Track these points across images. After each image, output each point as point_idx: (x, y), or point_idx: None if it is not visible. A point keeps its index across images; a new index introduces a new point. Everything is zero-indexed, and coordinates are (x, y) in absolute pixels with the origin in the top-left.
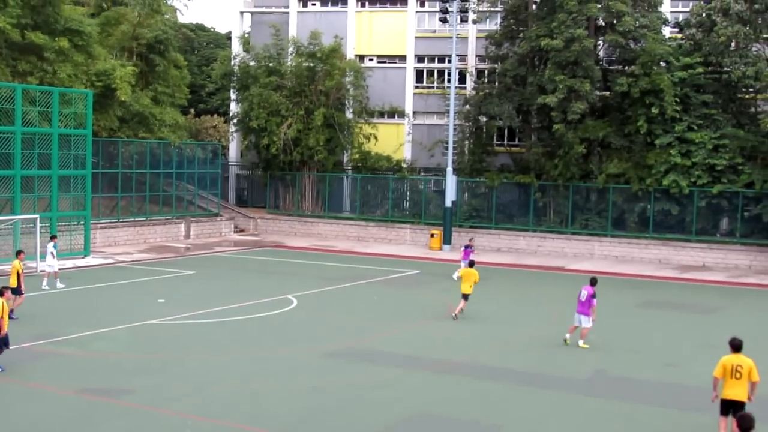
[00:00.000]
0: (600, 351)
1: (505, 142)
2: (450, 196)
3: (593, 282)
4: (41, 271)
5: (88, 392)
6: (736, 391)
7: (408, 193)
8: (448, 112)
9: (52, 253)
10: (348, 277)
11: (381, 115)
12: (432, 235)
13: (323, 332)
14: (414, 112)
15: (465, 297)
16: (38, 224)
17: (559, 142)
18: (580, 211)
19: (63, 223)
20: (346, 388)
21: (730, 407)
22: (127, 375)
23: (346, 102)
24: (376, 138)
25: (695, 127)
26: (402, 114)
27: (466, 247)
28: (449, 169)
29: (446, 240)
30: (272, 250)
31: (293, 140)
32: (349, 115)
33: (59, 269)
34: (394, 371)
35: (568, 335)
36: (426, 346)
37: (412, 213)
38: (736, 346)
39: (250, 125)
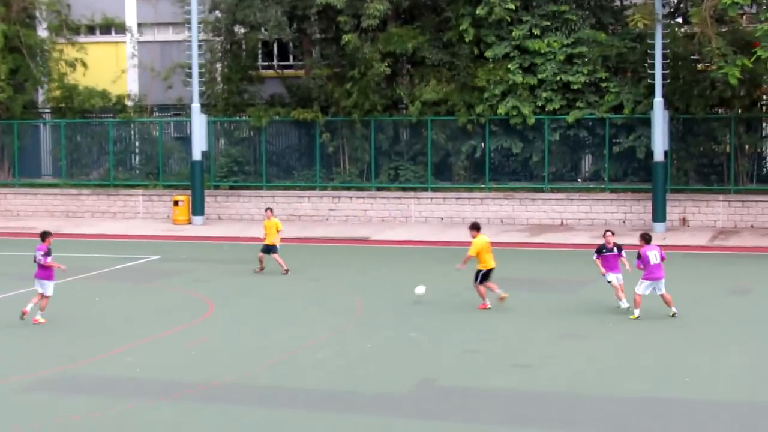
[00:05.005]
0: (424, 355)
1: (275, 62)
2: (199, 145)
3: (648, 238)
4: None
5: None
6: (491, 262)
7: (137, 144)
8: (188, 22)
9: None
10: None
11: (90, 31)
12: (176, 203)
13: (19, 356)
14: (139, 25)
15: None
16: None
17: (351, 60)
18: (387, 157)
19: None
20: None
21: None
22: None
23: (38, 14)
24: (84, 65)
25: (539, 32)
26: (122, 28)
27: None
28: (195, 105)
29: (197, 209)
30: None
31: None
32: (42, 32)
33: None
34: (134, 402)
35: (636, 310)
36: (179, 363)
37: (145, 172)
38: (478, 227)
39: None
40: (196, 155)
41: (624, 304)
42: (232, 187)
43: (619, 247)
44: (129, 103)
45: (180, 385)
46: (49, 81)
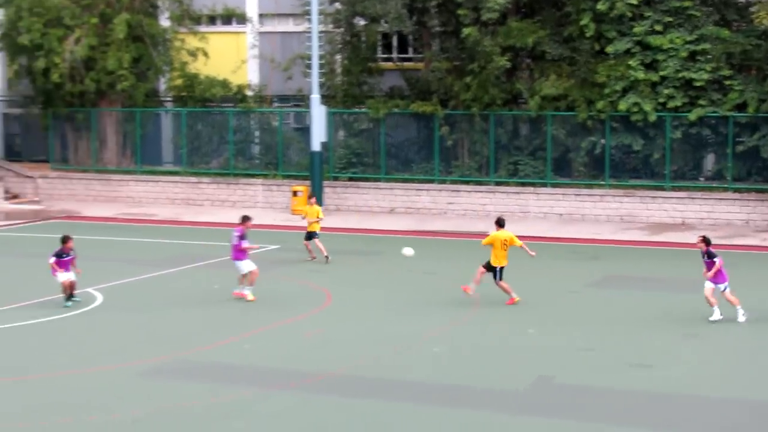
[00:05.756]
0: (540, 350)
1: (395, 54)
2: (318, 136)
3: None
4: None
5: None
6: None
7: (257, 134)
8: (309, 13)
9: None
10: (174, 259)
11: (212, 20)
12: (295, 194)
13: (142, 340)
14: (261, 15)
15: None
16: None
17: (470, 53)
18: (506, 151)
19: None
20: (180, 419)
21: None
22: None
23: (160, 3)
24: (206, 54)
25: (662, 28)
26: (242, 18)
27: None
28: (315, 96)
29: (316, 199)
30: (62, 223)
31: (84, 62)
32: (164, 22)
33: None
34: (247, 392)
35: (717, 311)
36: (292, 354)
37: (265, 162)
38: (501, 223)
39: (19, 42)
40: (316, 146)
41: (717, 313)
42: (350, 179)
43: (711, 254)
44: (249, 93)
45: (296, 374)
46: (171, 70)
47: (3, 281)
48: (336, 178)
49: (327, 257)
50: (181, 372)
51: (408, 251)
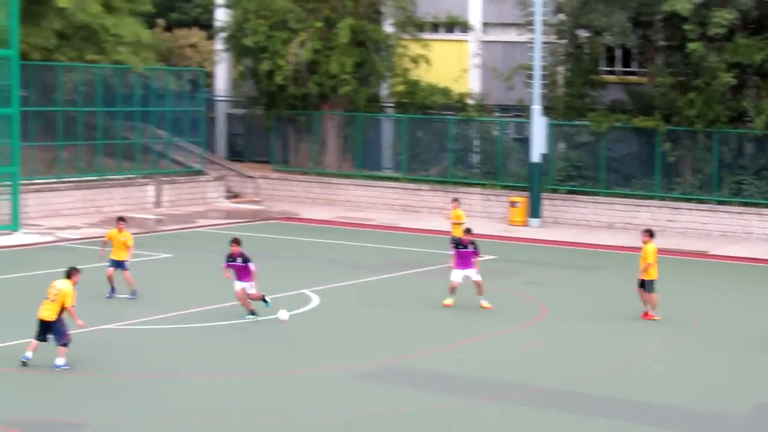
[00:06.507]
0: (763, 374)
1: (618, 67)
2: (538, 148)
3: None
4: None
5: (22, 426)
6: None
7: (477, 143)
8: (532, 24)
9: None
10: (390, 265)
11: (435, 28)
12: (513, 204)
13: (355, 343)
14: (484, 24)
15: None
16: None
17: (696, 69)
18: (730, 169)
19: None
20: (390, 424)
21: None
22: (77, 401)
23: (384, 10)
24: (428, 62)
25: None
26: (465, 27)
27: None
28: (536, 107)
29: (534, 211)
30: (281, 224)
31: (308, 65)
32: (388, 28)
33: None
34: (459, 400)
35: None
36: (504, 365)
37: (483, 172)
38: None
39: (244, 43)
40: (535, 157)
41: None
42: (569, 192)
43: None
44: (470, 102)
45: (509, 386)
46: (393, 76)
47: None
48: (554, 191)
49: None
50: (391, 377)
51: (283, 315)
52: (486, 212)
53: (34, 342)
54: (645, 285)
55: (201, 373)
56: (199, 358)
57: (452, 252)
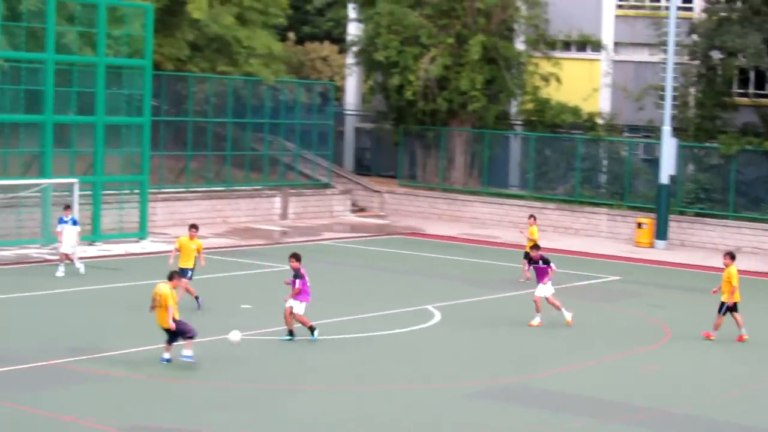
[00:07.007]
0: None
1: (751, 90)
2: (667, 169)
3: None
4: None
5: (141, 431)
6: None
7: (605, 163)
8: (665, 44)
9: (72, 229)
10: (513, 284)
11: (566, 46)
12: (639, 225)
13: (475, 360)
14: (615, 44)
15: None
16: (77, 192)
17: None
18: None
19: (110, 191)
20: None
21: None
22: (196, 409)
23: (516, 27)
24: (558, 80)
25: None
26: (597, 46)
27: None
28: (666, 128)
29: (660, 233)
30: (405, 239)
31: (438, 81)
32: (519, 45)
33: (71, 251)
34: (582, 420)
35: None
36: (631, 386)
37: (611, 192)
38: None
39: (375, 58)
40: (664, 179)
41: None
42: (697, 214)
43: None
44: (599, 121)
45: (628, 408)
46: (523, 93)
47: (347, 291)
48: (682, 213)
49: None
50: (511, 396)
51: (234, 336)
52: (611, 233)
53: (168, 346)
54: (735, 307)
55: (312, 385)
56: (312, 370)
57: (527, 267)
